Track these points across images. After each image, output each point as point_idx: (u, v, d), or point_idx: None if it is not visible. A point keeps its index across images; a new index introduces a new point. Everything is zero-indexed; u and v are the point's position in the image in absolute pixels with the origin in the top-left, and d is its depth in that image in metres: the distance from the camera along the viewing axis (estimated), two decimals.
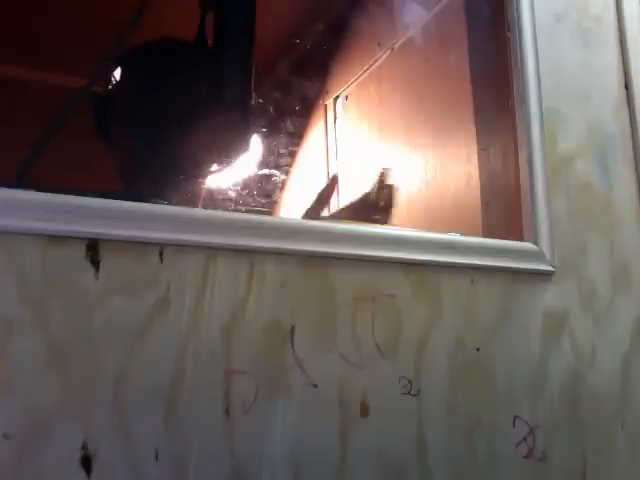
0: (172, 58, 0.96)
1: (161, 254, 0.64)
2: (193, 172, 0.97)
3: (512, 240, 0.87)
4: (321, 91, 1.66)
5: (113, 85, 0.97)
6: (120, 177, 0.99)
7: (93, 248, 0.62)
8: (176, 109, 0.92)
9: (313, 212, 1.05)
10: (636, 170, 1.00)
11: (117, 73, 0.97)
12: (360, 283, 0.74)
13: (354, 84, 1.53)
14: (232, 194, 1.47)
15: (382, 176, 0.96)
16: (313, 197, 1.11)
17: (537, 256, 0.86)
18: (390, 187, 0.95)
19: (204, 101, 0.93)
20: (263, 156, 1.61)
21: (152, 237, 0.64)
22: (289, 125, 1.72)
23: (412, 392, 0.74)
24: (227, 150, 0.96)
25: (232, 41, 0.95)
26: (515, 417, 0.80)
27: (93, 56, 1.01)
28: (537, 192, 0.88)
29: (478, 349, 0.79)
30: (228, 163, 0.98)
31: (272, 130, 1.67)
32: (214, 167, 0.99)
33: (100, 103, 0.98)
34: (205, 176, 0.99)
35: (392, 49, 1.38)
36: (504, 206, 0.96)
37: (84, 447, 0.58)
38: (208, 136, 0.92)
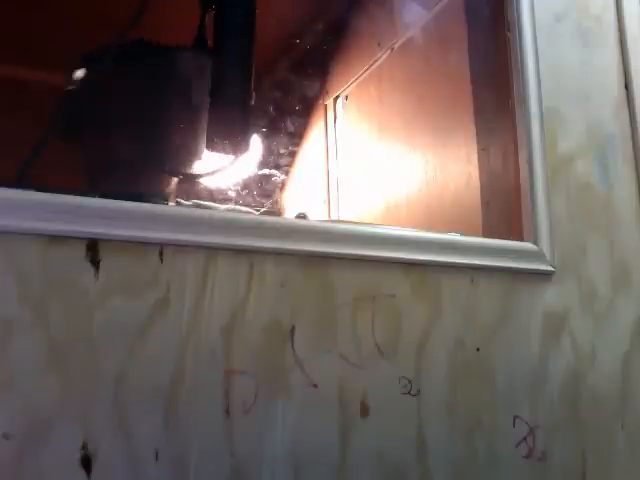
0: (147, 59, 0.96)
1: (161, 254, 0.64)
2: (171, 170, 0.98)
3: (512, 240, 0.87)
4: (321, 91, 1.66)
5: (84, 85, 0.97)
6: (87, 176, 0.99)
7: (93, 248, 0.62)
8: (148, 109, 0.92)
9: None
10: (636, 170, 1.00)
11: (83, 73, 0.97)
12: (360, 283, 0.74)
13: (354, 84, 1.53)
14: (232, 194, 1.47)
15: None
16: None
17: (537, 256, 0.86)
18: None
19: (180, 102, 0.94)
20: (263, 156, 1.61)
21: (152, 237, 0.64)
22: (289, 125, 1.71)
23: (412, 392, 0.74)
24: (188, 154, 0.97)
25: (232, 41, 0.95)
26: (515, 417, 0.80)
27: None
28: (537, 192, 0.88)
29: (478, 349, 0.79)
30: (227, 163, 0.98)
31: (272, 130, 1.67)
32: (214, 167, 0.99)
33: (72, 103, 0.98)
34: (187, 174, 0.99)
35: (392, 49, 1.38)
36: (504, 206, 0.96)
37: (84, 447, 0.58)
38: (179, 135, 0.92)
